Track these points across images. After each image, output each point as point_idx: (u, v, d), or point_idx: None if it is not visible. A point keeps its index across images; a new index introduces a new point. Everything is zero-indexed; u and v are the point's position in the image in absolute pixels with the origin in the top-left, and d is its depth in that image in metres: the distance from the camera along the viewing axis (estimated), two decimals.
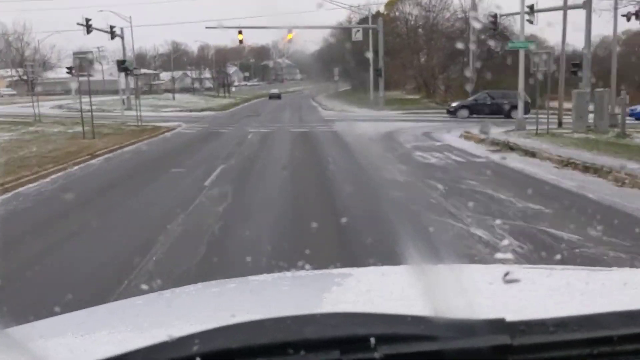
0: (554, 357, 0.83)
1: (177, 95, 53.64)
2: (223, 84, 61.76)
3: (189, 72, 76.01)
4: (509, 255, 2.78)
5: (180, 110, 37.32)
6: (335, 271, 1.69)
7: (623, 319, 0.86)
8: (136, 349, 0.82)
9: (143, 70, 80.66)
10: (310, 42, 61.30)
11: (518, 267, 1.57)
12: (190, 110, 37.81)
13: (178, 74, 68.09)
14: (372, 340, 0.79)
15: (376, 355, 0.78)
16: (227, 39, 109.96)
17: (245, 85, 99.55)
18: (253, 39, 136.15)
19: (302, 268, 1.75)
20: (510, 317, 0.83)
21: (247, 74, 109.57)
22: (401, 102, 42.58)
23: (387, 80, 51.71)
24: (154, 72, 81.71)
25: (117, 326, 1.21)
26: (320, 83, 69.01)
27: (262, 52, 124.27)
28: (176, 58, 72.98)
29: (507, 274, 1.15)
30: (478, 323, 0.81)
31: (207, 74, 72.80)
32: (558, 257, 5.06)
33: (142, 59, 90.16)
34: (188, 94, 60.13)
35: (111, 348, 0.85)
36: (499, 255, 2.98)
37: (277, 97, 58.34)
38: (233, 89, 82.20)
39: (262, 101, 56.93)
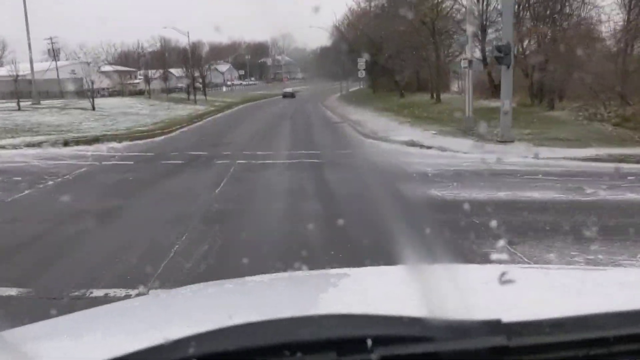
0: (550, 358, 0.85)
1: (112, 101, 37.08)
2: (194, 85, 45.81)
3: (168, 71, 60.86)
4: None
5: (40, 144, 15.94)
6: (331, 272, 1.73)
7: (619, 319, 0.88)
8: (132, 352, 0.84)
9: (115, 67, 65.61)
10: (317, 28, 46.59)
11: (514, 267, 1.60)
12: (66, 143, 16.01)
13: (157, 73, 54.08)
14: (369, 341, 0.81)
15: (372, 356, 0.81)
16: (223, 36, 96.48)
17: (240, 84, 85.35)
18: (251, 34, 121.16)
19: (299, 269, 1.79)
20: (506, 317, 0.85)
21: (242, 72, 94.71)
22: (537, 122, 19.02)
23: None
24: (127, 69, 66.10)
25: (112, 329, 1.21)
26: (327, 82, 61.31)
27: (260, 49, 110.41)
28: (161, 55, 59.02)
29: (503, 274, 1.16)
30: (474, 324, 0.84)
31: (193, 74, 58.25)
32: None
33: (126, 57, 77.64)
34: (140, 98, 43.81)
35: (106, 351, 0.86)
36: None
37: (291, 95, 61.24)
38: (224, 89, 69.08)
39: (250, 107, 42.30)
